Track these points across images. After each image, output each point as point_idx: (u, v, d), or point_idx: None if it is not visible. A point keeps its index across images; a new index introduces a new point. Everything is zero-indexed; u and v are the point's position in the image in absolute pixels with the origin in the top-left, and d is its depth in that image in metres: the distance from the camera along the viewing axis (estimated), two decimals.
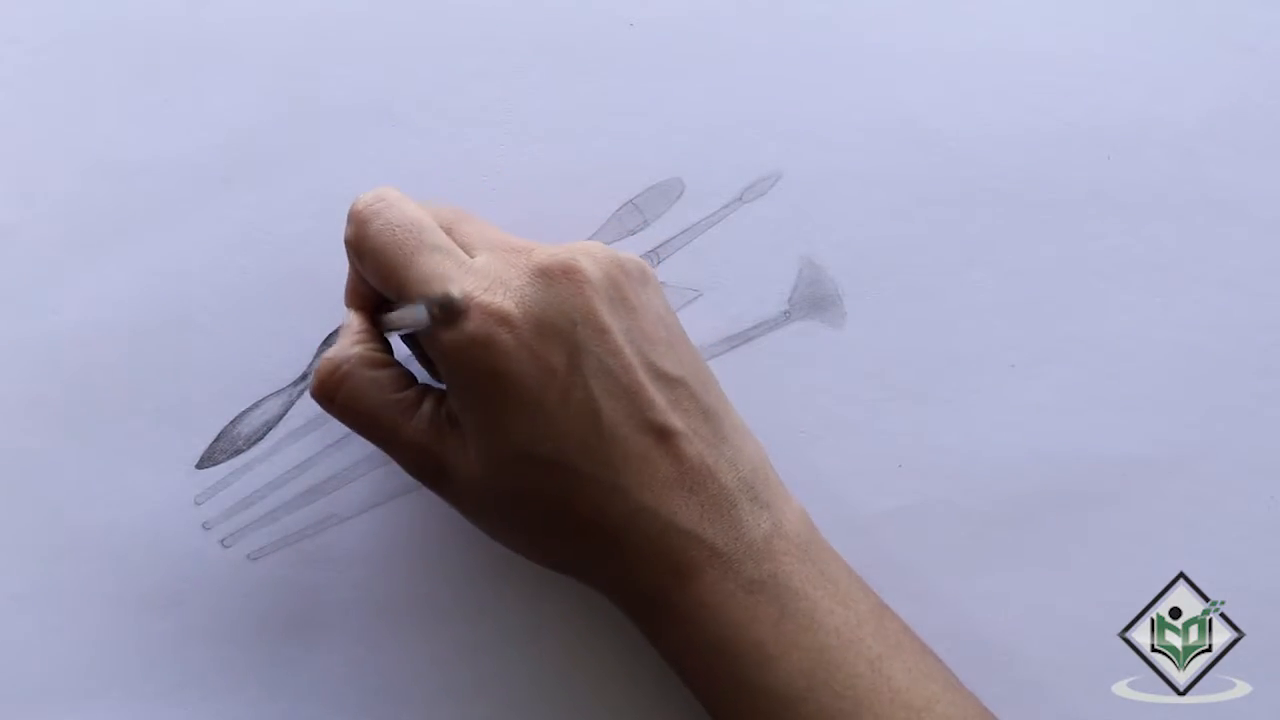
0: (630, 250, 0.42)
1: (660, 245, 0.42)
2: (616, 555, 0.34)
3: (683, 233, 0.42)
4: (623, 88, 0.42)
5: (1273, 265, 0.42)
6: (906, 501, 0.41)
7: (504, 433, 0.34)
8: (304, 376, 0.41)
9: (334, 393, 0.35)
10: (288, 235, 0.41)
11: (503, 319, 0.33)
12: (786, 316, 0.41)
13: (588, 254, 0.35)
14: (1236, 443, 0.41)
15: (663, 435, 0.34)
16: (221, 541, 0.41)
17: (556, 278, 0.34)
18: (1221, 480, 0.41)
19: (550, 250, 0.35)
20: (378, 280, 0.35)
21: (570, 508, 0.34)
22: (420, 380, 0.37)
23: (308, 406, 0.41)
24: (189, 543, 0.40)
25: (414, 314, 0.33)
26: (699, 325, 0.41)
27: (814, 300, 0.41)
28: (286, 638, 0.40)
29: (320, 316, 0.41)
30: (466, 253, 0.35)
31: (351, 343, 0.36)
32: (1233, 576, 0.40)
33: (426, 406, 0.35)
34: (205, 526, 0.41)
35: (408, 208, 0.35)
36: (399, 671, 0.40)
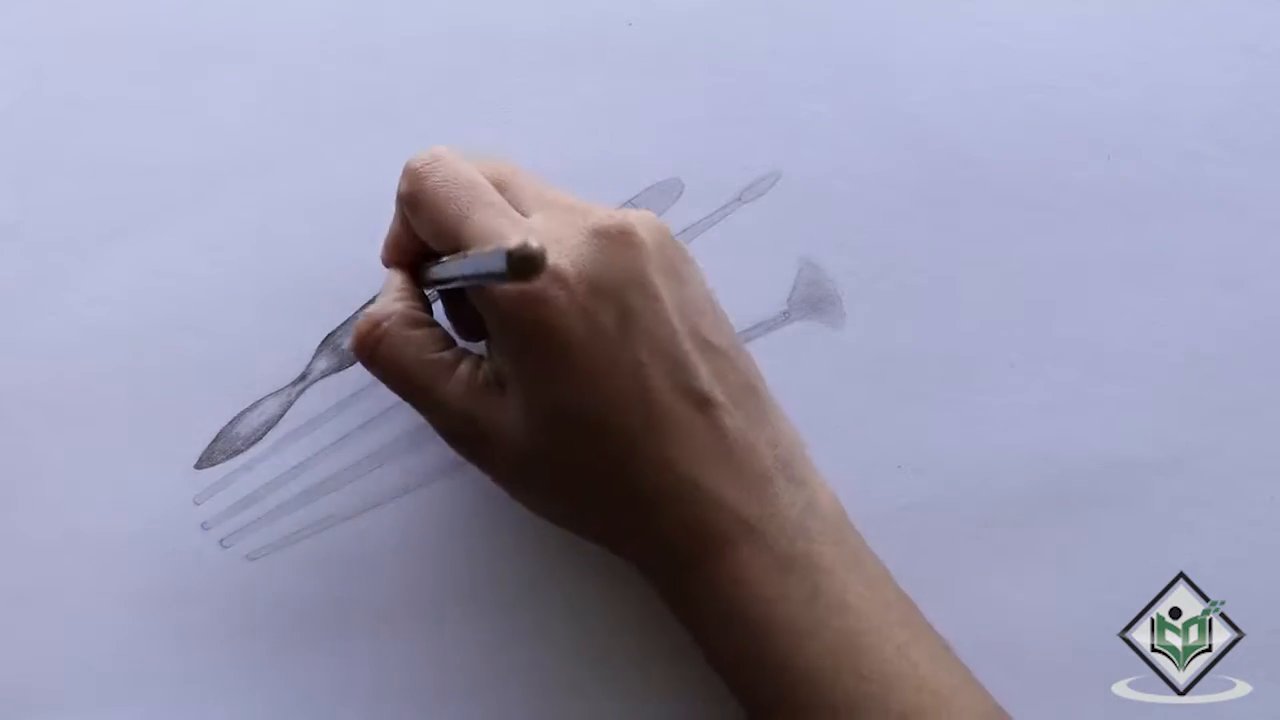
0: None
1: None
2: (653, 522, 0.34)
3: (681, 233, 0.42)
4: (622, 88, 0.42)
5: (1273, 265, 0.42)
6: (906, 501, 0.40)
7: (550, 391, 0.33)
8: (303, 377, 0.41)
9: (373, 349, 0.35)
10: (288, 235, 0.41)
11: (557, 277, 0.33)
12: (785, 317, 0.41)
13: (643, 221, 0.35)
14: (1236, 443, 0.41)
15: (704, 405, 0.34)
16: (220, 542, 0.41)
17: (614, 240, 0.34)
18: (1221, 480, 0.41)
19: (608, 212, 0.34)
20: (433, 234, 0.35)
21: (610, 472, 0.34)
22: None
23: (306, 407, 0.41)
24: (188, 543, 0.40)
25: (490, 261, 0.32)
26: None
27: (813, 300, 0.41)
28: (285, 638, 0.40)
29: (320, 317, 0.41)
30: (519, 210, 0.35)
31: (393, 299, 0.36)
32: (1233, 576, 0.40)
33: (464, 368, 0.35)
34: (204, 527, 0.41)
35: (462, 166, 0.35)
36: (398, 672, 0.40)
